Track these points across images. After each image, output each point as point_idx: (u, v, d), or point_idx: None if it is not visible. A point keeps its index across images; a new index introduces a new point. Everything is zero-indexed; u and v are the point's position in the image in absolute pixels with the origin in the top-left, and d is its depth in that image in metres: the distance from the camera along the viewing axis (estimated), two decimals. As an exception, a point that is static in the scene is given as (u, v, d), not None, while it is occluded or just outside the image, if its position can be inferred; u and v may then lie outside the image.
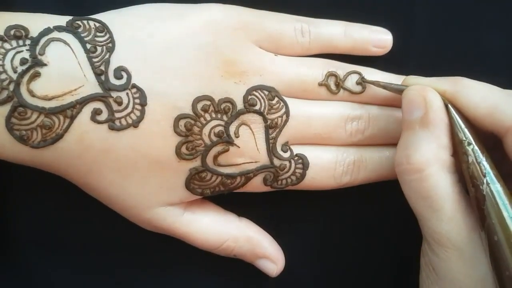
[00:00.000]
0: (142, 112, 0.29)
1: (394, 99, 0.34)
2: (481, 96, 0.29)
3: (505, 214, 0.27)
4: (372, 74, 0.34)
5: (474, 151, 0.28)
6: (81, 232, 0.36)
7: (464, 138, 0.28)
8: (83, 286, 0.37)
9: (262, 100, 0.31)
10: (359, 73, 0.34)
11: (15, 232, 0.36)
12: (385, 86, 0.33)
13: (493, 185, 0.27)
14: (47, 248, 0.36)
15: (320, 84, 0.33)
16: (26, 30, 0.28)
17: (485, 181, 0.27)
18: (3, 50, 0.28)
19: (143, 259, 0.37)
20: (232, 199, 0.34)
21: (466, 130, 0.29)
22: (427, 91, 0.30)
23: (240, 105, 0.31)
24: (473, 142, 0.28)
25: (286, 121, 0.32)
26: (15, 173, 0.34)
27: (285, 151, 0.32)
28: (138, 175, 0.30)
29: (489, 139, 0.29)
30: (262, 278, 0.35)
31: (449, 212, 0.28)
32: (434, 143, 0.29)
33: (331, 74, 0.33)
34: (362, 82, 0.34)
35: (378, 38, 0.35)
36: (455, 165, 0.29)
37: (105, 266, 0.37)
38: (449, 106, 0.29)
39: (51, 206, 0.36)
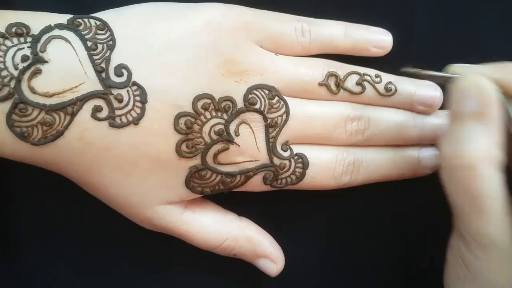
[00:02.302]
0: (143, 109, 0.29)
1: (394, 100, 0.34)
2: None
3: None
4: (372, 74, 0.34)
5: None
6: (81, 232, 0.36)
7: None
8: (83, 286, 0.37)
9: (262, 99, 0.31)
10: (359, 74, 0.34)
11: (15, 232, 0.36)
12: (431, 75, 0.32)
13: None
14: (47, 247, 0.36)
15: (320, 84, 0.33)
16: (27, 27, 0.29)
17: None
18: (4, 47, 0.28)
19: (143, 259, 0.37)
20: (232, 199, 0.34)
21: None
22: (485, 82, 0.27)
23: (240, 104, 0.31)
24: None
25: (286, 120, 0.32)
26: (15, 172, 0.35)
27: (285, 150, 0.32)
28: (138, 173, 0.30)
29: None
30: (262, 278, 0.35)
31: (498, 215, 0.27)
32: (489, 139, 0.27)
33: (331, 74, 0.33)
34: (405, 72, 0.33)
35: (378, 39, 0.35)
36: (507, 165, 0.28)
37: (105, 265, 0.36)
38: (504, 98, 0.27)
39: (51, 205, 0.36)
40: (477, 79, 0.28)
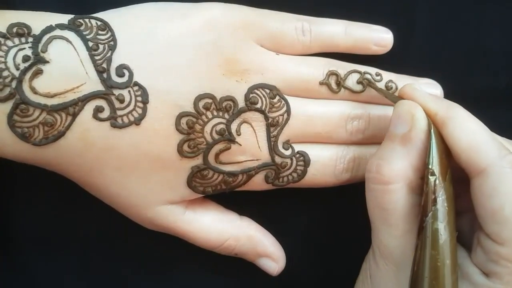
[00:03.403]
0: (144, 110, 0.29)
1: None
2: (467, 131, 0.28)
3: (432, 252, 0.27)
4: (372, 73, 0.34)
5: (435, 183, 0.28)
6: (81, 232, 0.36)
7: (430, 167, 0.28)
8: (83, 285, 0.37)
9: (263, 99, 0.31)
10: (360, 72, 0.34)
11: (15, 232, 0.36)
12: (384, 93, 0.33)
13: (436, 221, 0.27)
14: (47, 247, 0.36)
15: (321, 83, 0.33)
16: (28, 28, 0.28)
17: (430, 214, 0.27)
18: (5, 48, 0.28)
19: (144, 258, 0.37)
20: (233, 198, 0.34)
21: (435, 160, 0.28)
22: (416, 110, 0.29)
23: (241, 103, 0.31)
24: (437, 174, 0.28)
25: (287, 119, 0.32)
26: (15, 173, 0.35)
27: (286, 149, 0.32)
28: (139, 173, 0.30)
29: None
30: (263, 277, 0.35)
31: (400, 231, 0.29)
32: (407, 161, 0.29)
33: (332, 73, 0.33)
34: (363, 82, 0.34)
35: (378, 37, 0.35)
36: (421, 188, 0.29)
37: (105, 265, 0.37)
38: (432, 131, 0.29)
39: (52, 205, 0.36)
40: (412, 106, 0.29)
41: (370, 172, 0.30)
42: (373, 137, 0.34)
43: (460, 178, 0.29)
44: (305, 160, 0.33)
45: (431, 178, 0.28)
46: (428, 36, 0.37)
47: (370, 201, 0.30)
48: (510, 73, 0.37)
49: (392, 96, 0.32)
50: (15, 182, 0.35)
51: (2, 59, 0.28)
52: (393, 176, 0.29)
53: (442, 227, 0.27)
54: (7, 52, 0.28)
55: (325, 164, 0.33)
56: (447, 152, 0.29)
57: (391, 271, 0.29)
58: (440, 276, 0.27)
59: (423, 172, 0.29)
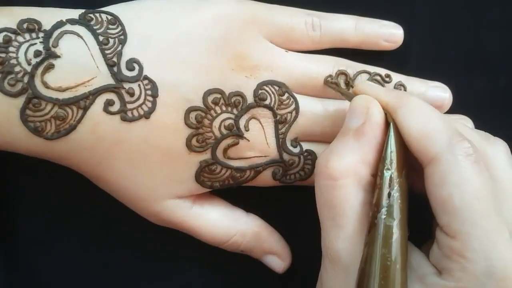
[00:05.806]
0: (154, 103, 0.29)
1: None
2: (417, 119, 0.27)
3: (383, 250, 0.26)
4: (382, 74, 0.34)
5: (390, 177, 0.27)
6: (81, 232, 0.36)
7: (387, 161, 0.27)
8: (83, 285, 0.37)
9: (272, 95, 0.31)
10: (369, 73, 0.34)
11: (15, 231, 0.36)
12: (342, 93, 0.32)
13: (389, 218, 0.26)
14: (47, 247, 0.36)
15: (330, 82, 0.33)
16: (38, 23, 0.29)
17: (383, 210, 0.26)
18: (16, 43, 0.28)
19: (145, 257, 0.37)
20: (240, 195, 0.34)
21: (392, 154, 0.27)
22: (371, 104, 0.28)
23: (250, 99, 0.31)
24: (393, 169, 0.27)
25: (296, 117, 0.32)
26: (16, 172, 0.35)
27: (294, 147, 0.32)
28: (148, 166, 0.30)
29: None
30: (269, 275, 0.35)
31: (349, 231, 0.27)
32: (358, 156, 0.28)
33: (341, 73, 0.33)
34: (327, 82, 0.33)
35: (389, 33, 0.35)
36: (372, 186, 0.28)
37: (105, 265, 0.36)
38: (391, 124, 0.28)
39: (52, 205, 0.36)
40: (368, 100, 0.29)
41: (319, 166, 0.29)
42: None
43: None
44: (313, 159, 0.33)
45: (386, 173, 0.27)
46: (428, 36, 0.37)
47: (319, 198, 0.29)
48: (510, 74, 0.37)
49: (352, 96, 0.31)
50: (16, 182, 0.35)
51: (14, 55, 0.28)
52: (342, 171, 0.27)
53: (395, 225, 0.26)
54: (18, 48, 0.28)
55: None
56: (405, 147, 0.28)
57: (340, 276, 0.28)
58: (390, 275, 0.25)
59: (376, 168, 0.28)
